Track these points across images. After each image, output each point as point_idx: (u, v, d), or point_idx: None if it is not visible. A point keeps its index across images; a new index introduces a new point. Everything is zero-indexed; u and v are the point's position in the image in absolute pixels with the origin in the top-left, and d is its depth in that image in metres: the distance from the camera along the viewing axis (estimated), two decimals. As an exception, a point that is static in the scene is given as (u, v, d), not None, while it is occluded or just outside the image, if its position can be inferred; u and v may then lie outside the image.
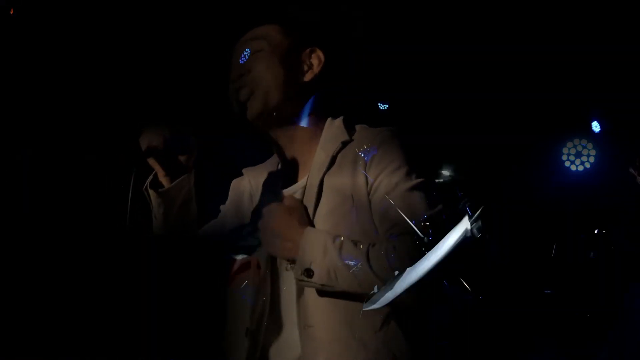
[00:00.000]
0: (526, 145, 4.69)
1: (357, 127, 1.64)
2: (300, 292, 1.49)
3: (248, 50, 1.63)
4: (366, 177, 1.51)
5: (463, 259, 1.37)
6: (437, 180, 4.22)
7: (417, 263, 1.26)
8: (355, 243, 1.43)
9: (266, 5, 1.66)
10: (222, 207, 1.76)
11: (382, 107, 4.45)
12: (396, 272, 1.30)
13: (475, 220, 1.16)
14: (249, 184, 1.72)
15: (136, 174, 1.47)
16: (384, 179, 1.50)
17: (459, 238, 1.18)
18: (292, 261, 1.48)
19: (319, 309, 1.47)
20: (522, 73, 4.32)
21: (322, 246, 1.43)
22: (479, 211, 1.17)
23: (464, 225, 1.18)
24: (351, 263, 1.40)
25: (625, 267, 3.53)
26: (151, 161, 1.53)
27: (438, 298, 1.52)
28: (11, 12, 2.04)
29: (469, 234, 1.17)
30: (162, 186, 1.56)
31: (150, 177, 1.56)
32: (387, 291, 1.30)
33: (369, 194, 1.51)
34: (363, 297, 1.38)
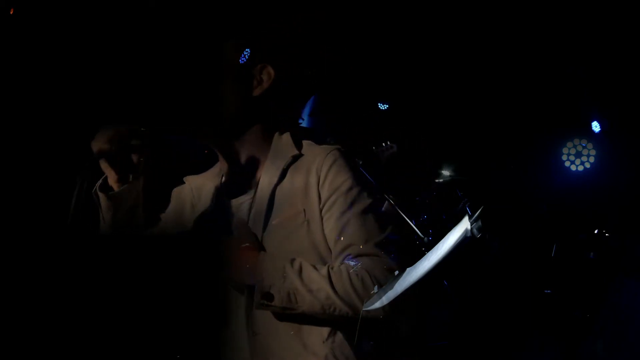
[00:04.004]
0: (526, 146, 4.70)
1: (304, 142, 1.65)
2: (248, 300, 1.50)
3: (248, 50, 1.64)
4: (319, 194, 1.53)
5: (463, 259, 1.37)
6: (437, 181, 4.22)
7: (417, 263, 1.26)
8: (314, 266, 1.45)
9: (227, 20, 1.68)
10: (162, 215, 1.76)
11: (382, 107, 4.45)
12: (396, 272, 1.30)
13: (475, 220, 1.16)
14: (190, 192, 1.73)
15: (84, 176, 1.47)
16: (338, 198, 1.52)
17: (459, 238, 1.18)
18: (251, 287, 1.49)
19: (267, 317, 1.49)
20: (523, 73, 4.33)
21: (280, 270, 1.45)
22: (479, 211, 1.17)
23: (464, 225, 1.17)
24: (312, 286, 1.43)
25: (611, 262, 3.54)
26: (102, 164, 1.53)
27: (439, 298, 1.54)
28: (11, 12, 2.04)
29: (469, 234, 1.17)
30: (112, 189, 1.56)
31: (100, 180, 1.56)
32: (387, 291, 1.30)
33: (321, 210, 1.52)
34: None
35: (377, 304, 1.33)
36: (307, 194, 1.54)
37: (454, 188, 4.10)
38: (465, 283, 3.81)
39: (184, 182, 1.77)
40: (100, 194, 1.57)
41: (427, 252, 1.26)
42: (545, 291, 4.25)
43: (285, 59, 1.67)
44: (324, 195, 1.54)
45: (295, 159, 1.60)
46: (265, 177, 1.61)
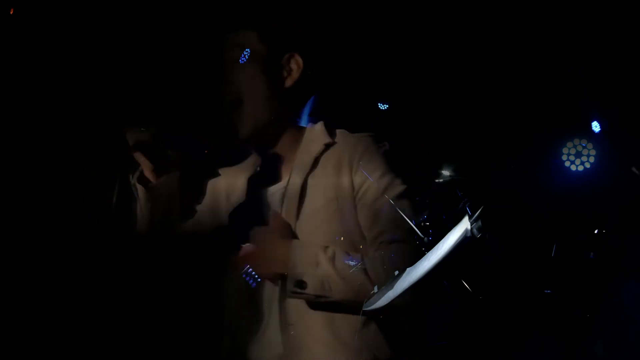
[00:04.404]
0: (526, 146, 4.69)
1: (338, 131, 1.65)
2: (281, 291, 1.50)
3: (248, 50, 1.63)
4: (352, 181, 1.53)
5: (463, 259, 1.38)
6: (437, 181, 4.21)
7: (417, 263, 1.27)
8: (348, 253, 1.44)
9: (243, 10, 1.67)
10: (197, 207, 1.76)
11: (382, 107, 4.45)
12: (396, 272, 1.30)
13: (475, 220, 1.16)
14: (225, 184, 1.73)
15: (123, 170, 1.47)
16: (371, 185, 1.52)
17: (459, 238, 1.18)
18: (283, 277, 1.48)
19: (300, 308, 1.48)
20: (523, 73, 4.32)
21: (313, 258, 1.44)
22: (479, 211, 1.17)
23: (464, 225, 1.17)
24: (346, 273, 1.41)
25: (611, 262, 3.54)
26: (138, 156, 1.52)
27: (439, 298, 1.54)
28: (11, 12, 2.04)
29: (469, 234, 1.17)
30: (149, 182, 1.55)
31: (138, 172, 1.56)
32: (387, 291, 1.30)
33: (354, 198, 1.52)
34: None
35: (377, 305, 1.33)
36: (340, 182, 1.54)
37: (454, 188, 4.09)
38: (465, 283, 3.81)
39: (218, 175, 1.77)
40: (139, 186, 1.55)
41: (427, 252, 1.27)
42: (545, 291, 4.24)
43: (310, 45, 1.67)
44: (357, 182, 1.53)
45: (328, 147, 1.60)
46: (298, 166, 1.60)
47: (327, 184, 1.54)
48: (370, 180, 1.52)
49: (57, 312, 2.27)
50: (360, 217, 1.52)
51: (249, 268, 1.56)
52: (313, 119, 1.68)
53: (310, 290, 1.43)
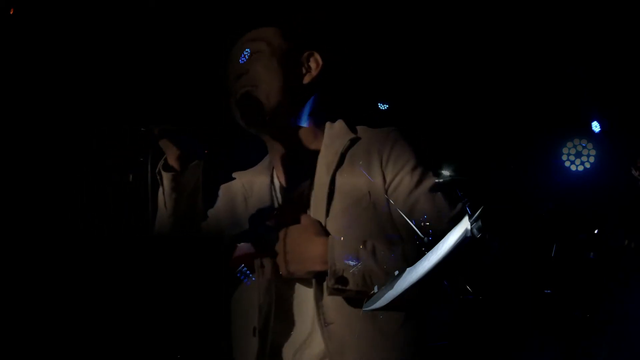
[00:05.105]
0: (526, 146, 4.69)
1: (359, 127, 1.64)
2: (318, 290, 1.47)
3: (248, 50, 1.62)
4: (383, 175, 1.51)
5: (463, 259, 1.37)
6: (437, 181, 4.20)
7: (417, 263, 1.26)
8: (388, 246, 1.42)
9: (265, 7, 1.66)
10: (210, 212, 1.73)
11: (382, 107, 4.45)
12: (396, 272, 1.30)
13: (475, 220, 1.16)
14: (242, 187, 1.70)
15: (152, 162, 1.44)
16: (404, 177, 1.50)
17: (459, 238, 1.18)
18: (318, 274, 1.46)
19: (339, 305, 1.46)
20: (523, 73, 4.32)
21: (353, 252, 1.41)
22: (479, 211, 1.17)
23: (464, 225, 1.17)
24: (387, 267, 1.38)
25: (611, 262, 3.54)
26: (164, 143, 1.48)
27: (440, 298, 1.52)
28: (11, 12, 2.04)
29: (469, 234, 1.17)
30: (174, 169, 1.49)
31: (162, 160, 1.52)
32: (387, 291, 1.30)
33: (386, 191, 1.50)
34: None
35: (377, 304, 1.32)
36: (371, 176, 1.51)
37: (454, 188, 4.08)
38: (465, 283, 3.80)
39: (233, 178, 1.74)
40: (165, 174, 1.51)
41: (427, 252, 1.26)
42: (545, 291, 4.24)
43: (331, 45, 1.66)
44: (388, 176, 1.51)
45: (354, 142, 1.58)
46: (323, 163, 1.57)
47: (356, 180, 1.51)
48: (401, 174, 1.51)
49: (56, 311, 2.26)
50: (394, 211, 1.50)
51: (243, 267, 1.55)
52: (313, 119, 1.67)
53: (352, 286, 1.39)
